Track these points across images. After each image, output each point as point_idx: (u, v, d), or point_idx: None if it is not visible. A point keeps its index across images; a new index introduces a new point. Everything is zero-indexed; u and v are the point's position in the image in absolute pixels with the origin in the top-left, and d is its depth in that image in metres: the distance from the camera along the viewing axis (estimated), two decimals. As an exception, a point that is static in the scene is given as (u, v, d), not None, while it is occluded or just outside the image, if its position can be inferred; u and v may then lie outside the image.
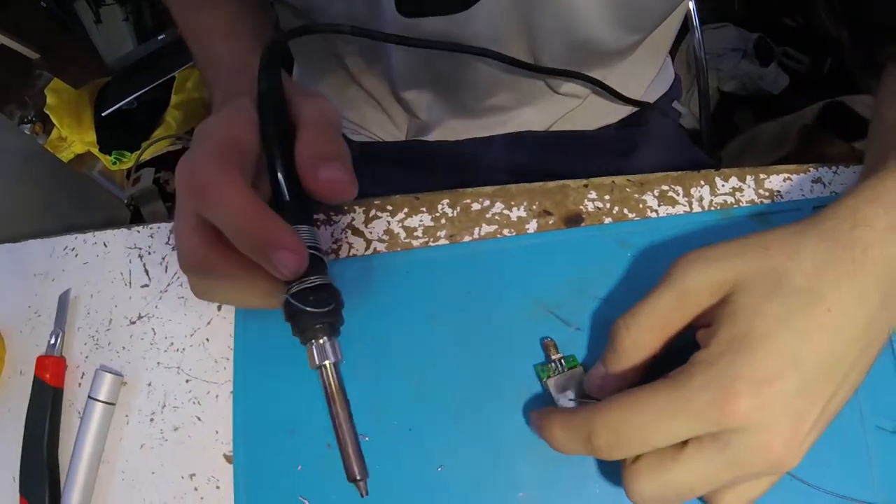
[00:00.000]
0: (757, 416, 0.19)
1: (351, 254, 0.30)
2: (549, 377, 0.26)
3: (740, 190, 0.32)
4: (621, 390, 0.22)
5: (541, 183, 0.31)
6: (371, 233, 0.30)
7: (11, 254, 0.34)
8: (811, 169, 0.33)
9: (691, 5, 0.57)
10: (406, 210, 0.31)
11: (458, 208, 0.31)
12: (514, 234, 0.30)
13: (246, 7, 0.36)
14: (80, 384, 0.30)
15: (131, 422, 0.29)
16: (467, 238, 0.30)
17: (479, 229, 0.30)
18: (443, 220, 0.30)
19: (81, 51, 1.13)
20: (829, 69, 1.00)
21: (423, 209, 0.31)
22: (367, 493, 0.23)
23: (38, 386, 0.30)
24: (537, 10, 0.34)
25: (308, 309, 0.22)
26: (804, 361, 0.20)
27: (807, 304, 0.20)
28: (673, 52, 0.64)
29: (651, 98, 0.51)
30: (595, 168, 0.34)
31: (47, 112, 1.11)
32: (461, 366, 0.27)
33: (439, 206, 0.31)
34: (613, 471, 0.25)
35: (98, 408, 0.28)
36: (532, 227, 0.30)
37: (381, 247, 0.30)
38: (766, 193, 0.32)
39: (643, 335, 0.23)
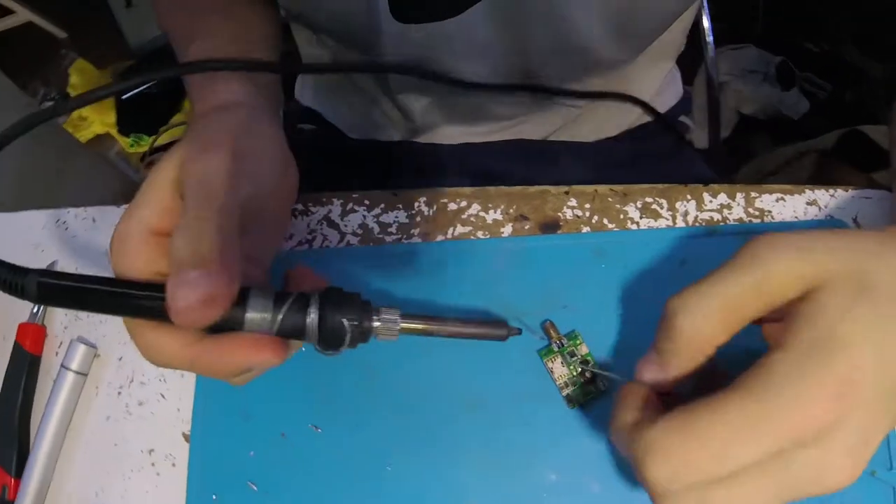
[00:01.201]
0: (832, 431, 0.17)
1: (324, 245, 0.30)
2: (550, 360, 0.26)
3: (728, 207, 0.31)
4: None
5: (521, 187, 0.31)
6: (346, 226, 0.31)
7: (8, 222, 0.35)
8: (806, 190, 0.32)
9: (706, 23, 0.56)
10: (383, 205, 0.31)
11: (435, 207, 0.31)
12: (487, 236, 0.30)
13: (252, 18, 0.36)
14: (56, 353, 0.31)
15: (100, 393, 0.30)
16: (440, 237, 0.30)
17: (454, 229, 0.30)
18: (418, 218, 0.30)
19: (108, 33, 1.16)
20: (850, 98, 0.97)
21: (400, 206, 0.31)
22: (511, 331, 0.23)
23: (18, 352, 0.30)
24: (529, 17, 0.34)
25: (340, 321, 0.21)
26: (886, 374, 0.18)
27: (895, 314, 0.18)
28: (693, 71, 0.63)
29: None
30: (590, 179, 0.33)
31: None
32: (417, 368, 0.26)
33: (416, 204, 0.31)
34: (570, 483, 0.25)
35: (70, 377, 0.29)
36: (507, 230, 0.30)
37: (354, 240, 0.30)
38: (756, 212, 0.31)
39: (710, 324, 0.19)
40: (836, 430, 0.17)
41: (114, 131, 1.15)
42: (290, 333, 0.21)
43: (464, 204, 0.30)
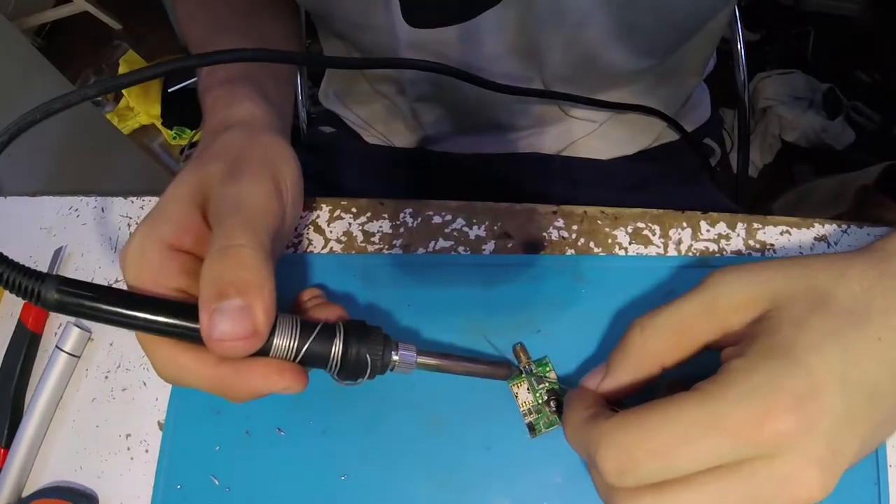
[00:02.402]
0: (795, 439, 0.16)
1: (308, 250, 0.31)
2: (517, 385, 0.25)
3: (727, 238, 0.30)
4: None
5: (508, 203, 0.30)
6: (331, 232, 0.31)
7: (26, 206, 0.37)
8: (815, 224, 0.30)
9: (740, 47, 0.53)
10: (369, 214, 0.31)
11: (420, 219, 0.30)
12: (468, 252, 0.29)
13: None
14: (56, 333, 0.33)
15: (89, 376, 0.31)
16: (421, 250, 0.29)
17: (435, 243, 0.30)
18: (401, 229, 0.30)
19: (161, 27, 1.22)
20: None
21: (385, 215, 0.31)
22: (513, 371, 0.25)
23: (20, 329, 0.32)
24: (541, 24, 0.34)
25: (362, 352, 0.21)
26: (851, 382, 0.17)
27: (854, 326, 0.18)
28: (731, 94, 0.61)
29: (676, 133, 0.48)
30: (598, 199, 0.32)
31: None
32: (383, 381, 0.26)
33: (401, 215, 0.31)
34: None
35: (62, 357, 0.31)
36: (489, 247, 0.29)
37: (337, 247, 0.30)
38: (757, 245, 0.29)
39: (658, 339, 0.20)
40: (801, 439, 0.17)
41: (158, 123, 1.21)
42: (312, 362, 0.21)
43: (448, 217, 0.30)
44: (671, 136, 0.48)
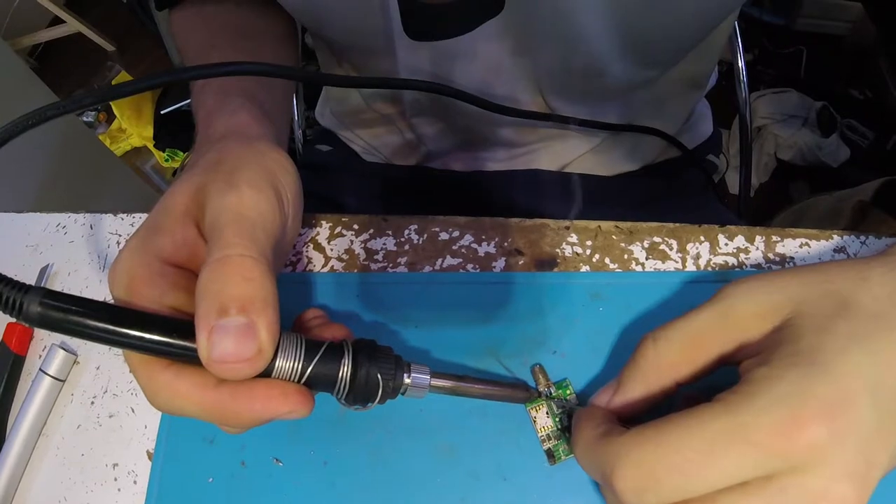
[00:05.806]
0: (827, 451, 0.15)
1: (308, 269, 0.29)
2: (534, 409, 0.24)
3: (746, 251, 0.29)
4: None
5: (518, 219, 0.29)
6: (332, 250, 0.30)
7: (12, 222, 0.36)
8: (835, 236, 0.29)
9: (741, 64, 0.53)
10: (371, 231, 0.30)
11: (425, 236, 0.29)
12: (477, 269, 0.28)
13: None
14: (40, 355, 0.31)
15: (75, 401, 0.29)
16: (427, 268, 0.28)
17: (442, 260, 0.28)
18: (406, 247, 0.29)
19: (154, 49, 1.22)
20: (893, 146, 0.93)
21: (389, 232, 0.29)
22: (531, 394, 0.23)
23: (2, 350, 0.30)
24: (540, 33, 0.33)
25: (373, 373, 0.20)
26: (881, 388, 0.17)
27: (880, 329, 0.17)
28: (730, 114, 0.61)
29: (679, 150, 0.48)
30: (602, 216, 0.31)
31: (111, 103, 1.19)
32: (390, 406, 0.25)
33: (405, 232, 0.29)
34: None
35: (46, 381, 0.29)
36: (499, 265, 0.28)
37: (338, 266, 0.29)
38: (777, 258, 0.28)
39: (671, 351, 0.19)
40: (834, 450, 0.16)
41: (150, 145, 1.20)
42: (319, 384, 0.20)
43: (456, 234, 0.29)
44: (675, 152, 0.48)
